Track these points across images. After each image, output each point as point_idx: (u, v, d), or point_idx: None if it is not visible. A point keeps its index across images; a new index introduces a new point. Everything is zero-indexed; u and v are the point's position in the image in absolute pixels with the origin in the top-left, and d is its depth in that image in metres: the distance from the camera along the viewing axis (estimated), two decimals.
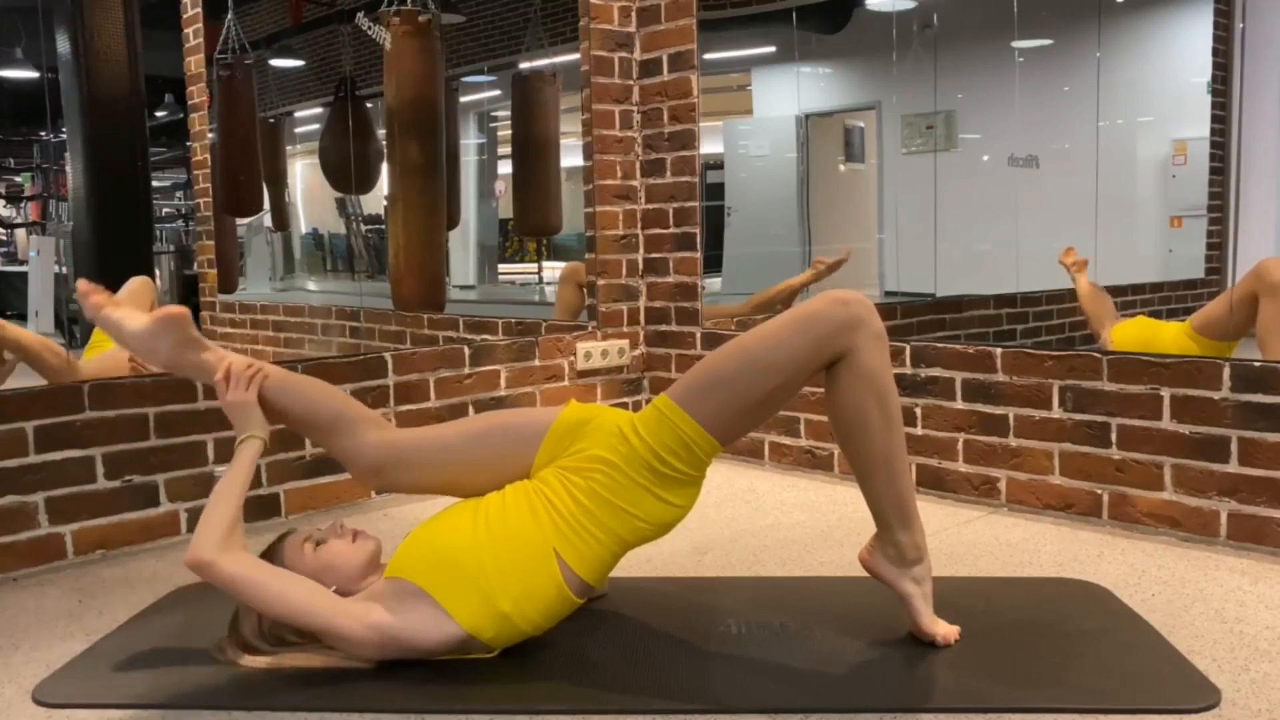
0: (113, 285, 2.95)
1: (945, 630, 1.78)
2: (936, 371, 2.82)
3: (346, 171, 3.80)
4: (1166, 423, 2.41)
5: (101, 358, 2.82)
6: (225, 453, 2.64)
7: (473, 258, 4.36)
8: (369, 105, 3.73)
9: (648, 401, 3.59)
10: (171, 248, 3.46)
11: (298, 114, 3.89)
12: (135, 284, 2.95)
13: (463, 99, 4.18)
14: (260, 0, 3.66)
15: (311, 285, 3.97)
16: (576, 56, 3.47)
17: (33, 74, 2.91)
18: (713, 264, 3.65)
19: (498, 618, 1.66)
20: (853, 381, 1.69)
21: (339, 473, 2.86)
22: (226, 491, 1.72)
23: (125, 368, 2.69)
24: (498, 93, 4.26)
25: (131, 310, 1.90)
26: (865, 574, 1.83)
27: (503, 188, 4.29)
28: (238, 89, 3.45)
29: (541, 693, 1.64)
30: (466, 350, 3.14)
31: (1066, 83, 3.11)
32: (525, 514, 1.72)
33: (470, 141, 4.25)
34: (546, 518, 1.70)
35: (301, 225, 3.97)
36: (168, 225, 3.47)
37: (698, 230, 3.42)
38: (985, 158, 3.31)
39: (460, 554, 1.68)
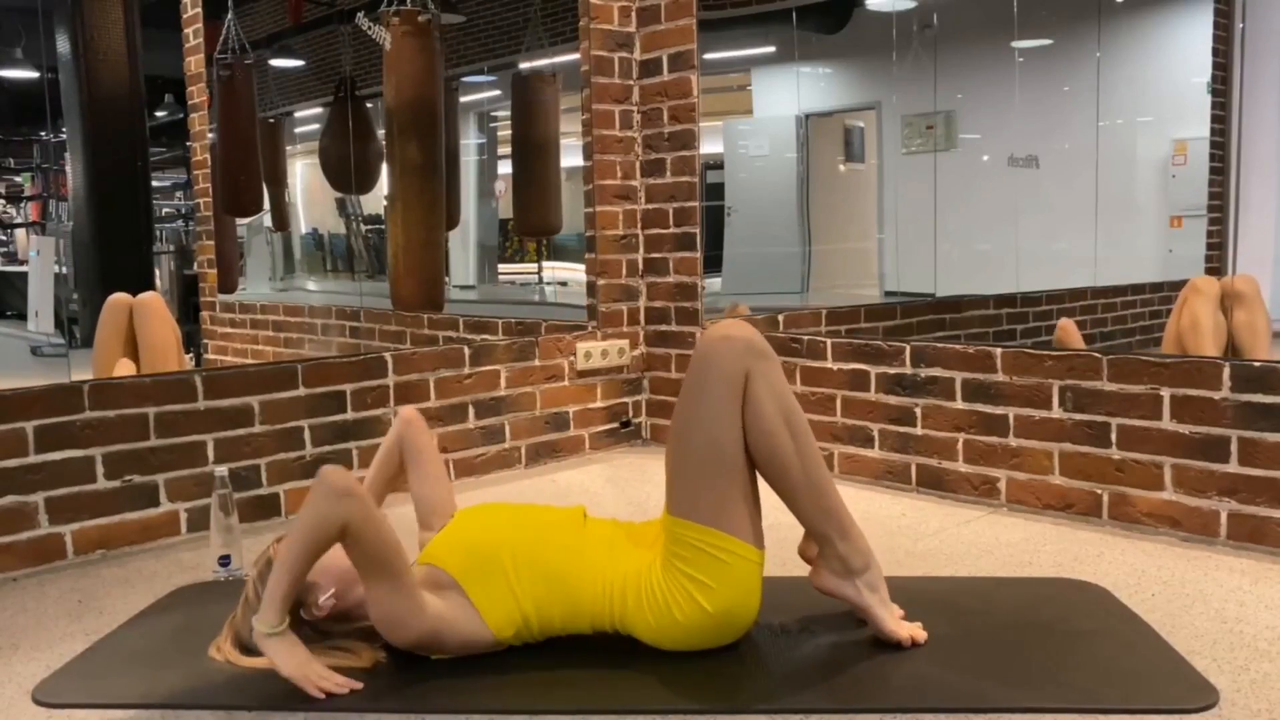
0: (113, 285, 2.98)
1: (910, 630, 1.77)
2: (936, 371, 2.82)
3: (346, 171, 3.80)
4: (1166, 423, 2.41)
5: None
6: (225, 452, 2.64)
7: (473, 258, 4.36)
8: (369, 105, 3.73)
9: (647, 401, 3.60)
10: (171, 248, 3.45)
11: (298, 114, 3.89)
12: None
13: (463, 99, 4.18)
14: (260, 0, 3.66)
15: (311, 285, 3.96)
16: (576, 56, 3.47)
17: (33, 74, 2.91)
18: (713, 264, 3.65)
19: (520, 618, 1.70)
20: (755, 406, 1.67)
21: None
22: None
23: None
24: (498, 93, 4.26)
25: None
26: None
27: (503, 188, 4.28)
28: (238, 89, 3.45)
29: (541, 693, 1.64)
30: (466, 350, 3.14)
31: (1066, 83, 3.11)
32: (569, 532, 1.76)
33: (470, 141, 4.25)
34: (592, 554, 1.73)
35: (301, 225, 3.96)
36: (168, 225, 3.47)
37: (698, 230, 3.42)
38: (985, 158, 3.31)
39: (493, 549, 1.71)
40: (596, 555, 1.74)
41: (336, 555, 1.74)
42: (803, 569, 2.25)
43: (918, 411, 2.86)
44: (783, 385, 1.70)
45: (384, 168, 3.72)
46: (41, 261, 3.07)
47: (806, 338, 3.12)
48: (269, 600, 1.58)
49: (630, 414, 3.59)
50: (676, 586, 1.67)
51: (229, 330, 3.54)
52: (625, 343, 3.54)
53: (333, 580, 1.72)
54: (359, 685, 1.63)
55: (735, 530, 1.66)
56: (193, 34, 3.40)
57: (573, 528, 1.78)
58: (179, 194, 3.46)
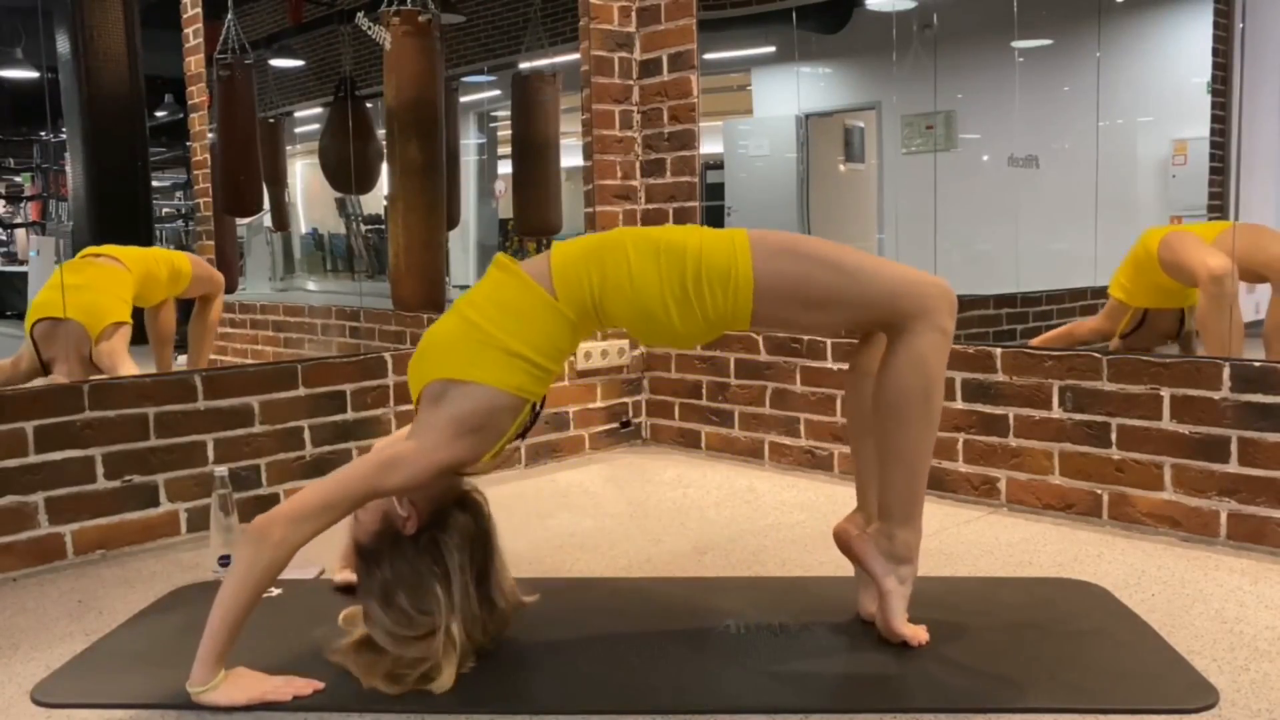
0: None
1: (913, 632, 1.77)
2: None
3: (346, 171, 3.80)
4: (1166, 423, 2.41)
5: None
6: (225, 452, 2.64)
7: (473, 258, 4.36)
8: (369, 105, 3.73)
9: (647, 401, 3.60)
10: (171, 248, 3.45)
11: (298, 114, 3.88)
12: None
13: (463, 99, 4.18)
14: (260, 0, 3.66)
15: (311, 285, 3.96)
16: (576, 56, 3.48)
17: (33, 74, 2.91)
18: None
19: (521, 363, 1.65)
20: (904, 365, 1.67)
21: None
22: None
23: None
24: (498, 93, 4.26)
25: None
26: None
27: (503, 188, 4.28)
28: (238, 89, 3.45)
29: (541, 692, 1.64)
30: None
31: (1066, 83, 3.11)
32: (506, 266, 1.73)
33: (470, 141, 4.25)
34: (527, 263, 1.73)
35: (301, 225, 3.96)
36: (168, 225, 3.46)
37: None
38: (985, 158, 3.31)
39: (460, 330, 1.68)
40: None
41: (369, 502, 1.68)
42: (804, 570, 2.26)
43: None
44: (940, 364, 1.69)
45: (384, 168, 3.71)
46: (41, 261, 3.07)
47: (807, 337, 3.12)
48: (204, 660, 1.57)
49: (630, 414, 3.59)
50: (675, 265, 1.66)
51: (229, 330, 3.53)
52: (625, 343, 3.54)
53: (389, 504, 1.68)
54: (321, 685, 1.63)
55: (756, 303, 1.66)
56: (193, 34, 3.40)
57: (505, 262, 1.73)
58: (179, 194, 3.46)
